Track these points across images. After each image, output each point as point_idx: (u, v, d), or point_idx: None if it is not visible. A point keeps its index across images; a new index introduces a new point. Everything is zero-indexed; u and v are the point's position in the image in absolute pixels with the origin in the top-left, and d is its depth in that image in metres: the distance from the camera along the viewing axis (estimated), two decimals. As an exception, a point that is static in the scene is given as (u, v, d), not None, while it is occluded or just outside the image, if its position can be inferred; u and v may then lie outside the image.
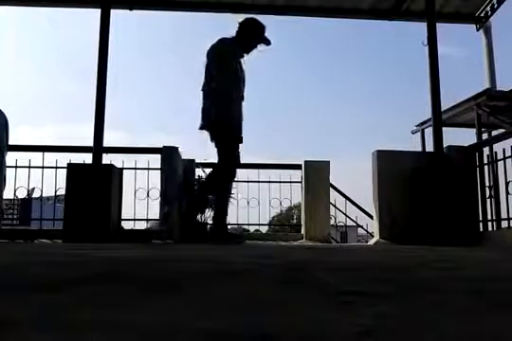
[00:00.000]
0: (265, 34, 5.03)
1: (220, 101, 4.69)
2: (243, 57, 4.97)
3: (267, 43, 5.01)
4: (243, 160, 5.24)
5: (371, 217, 6.97)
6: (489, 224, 5.70)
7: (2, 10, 8.75)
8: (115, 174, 6.08)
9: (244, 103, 4.86)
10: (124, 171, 6.46)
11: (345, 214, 8.09)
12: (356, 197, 8.18)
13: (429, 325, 0.71)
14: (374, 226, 6.21)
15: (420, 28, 6.77)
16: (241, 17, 5.32)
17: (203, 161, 6.88)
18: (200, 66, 4.95)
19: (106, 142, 6.47)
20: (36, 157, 6.55)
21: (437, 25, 6.69)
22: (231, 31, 5.11)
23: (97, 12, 6.68)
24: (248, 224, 7.42)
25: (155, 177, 6.42)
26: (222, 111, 4.68)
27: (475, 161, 5.72)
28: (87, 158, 6.34)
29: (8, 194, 6.28)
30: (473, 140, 8.06)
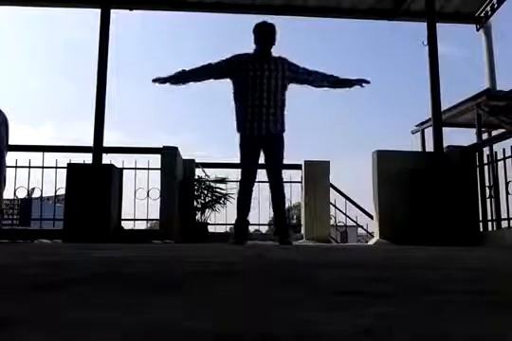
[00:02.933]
0: (264, 28, 5.10)
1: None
2: (261, 61, 5.05)
3: (274, 33, 5.11)
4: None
5: (371, 217, 6.97)
6: (489, 223, 5.70)
7: (2, 10, 8.75)
8: (115, 174, 6.09)
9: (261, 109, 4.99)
10: (124, 171, 6.47)
11: (345, 214, 8.10)
12: (356, 197, 8.19)
13: (429, 325, 0.71)
14: (374, 226, 6.22)
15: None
16: (240, 17, 5.38)
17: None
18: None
19: (105, 142, 6.47)
20: (36, 157, 6.56)
21: (437, 25, 6.69)
22: (229, 32, 5.21)
23: (97, 12, 6.69)
24: (250, 224, 7.41)
25: (156, 177, 6.43)
26: (239, 123, 5.08)
27: (475, 161, 5.73)
28: (87, 158, 6.34)
29: (8, 194, 6.29)
30: (473, 140, 8.07)
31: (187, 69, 5.10)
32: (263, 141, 5.00)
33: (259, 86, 4.95)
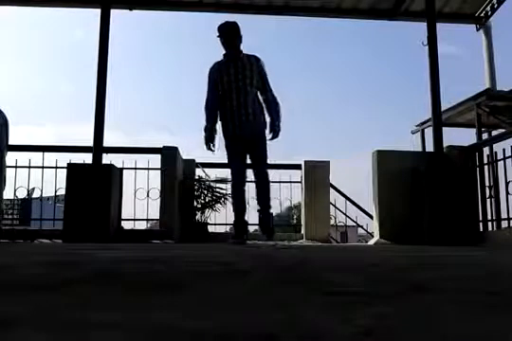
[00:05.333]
0: (221, 27, 5.08)
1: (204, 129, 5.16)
2: (233, 63, 5.06)
3: (235, 30, 5.10)
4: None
5: (371, 217, 6.96)
6: (489, 223, 5.69)
7: (2, 10, 8.75)
8: (115, 174, 6.08)
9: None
10: (124, 171, 6.46)
11: (345, 214, 8.09)
12: (356, 197, 8.19)
13: (429, 325, 0.71)
14: (374, 226, 6.21)
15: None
16: (240, 17, 5.38)
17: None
18: (199, 66, 5.07)
19: (105, 142, 6.47)
20: (36, 157, 6.55)
21: (437, 25, 6.69)
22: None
23: (97, 12, 6.69)
24: (248, 224, 7.40)
25: (156, 177, 6.43)
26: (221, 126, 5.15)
27: (475, 161, 5.72)
28: (87, 158, 6.34)
29: (8, 194, 6.29)
30: (473, 140, 8.07)
31: (208, 116, 5.11)
32: (245, 140, 5.04)
33: (235, 86, 4.99)
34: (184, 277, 1.47)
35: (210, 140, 5.12)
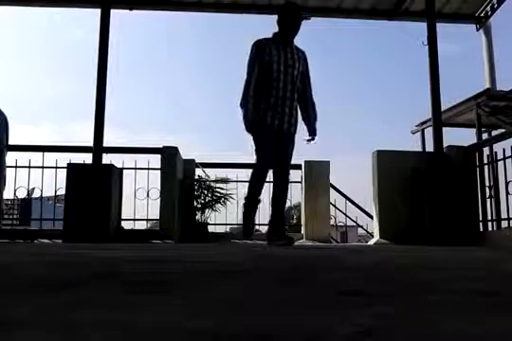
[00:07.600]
0: (294, 11, 4.74)
1: (244, 104, 4.65)
2: (285, 44, 4.71)
3: (302, 18, 4.76)
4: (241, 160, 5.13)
5: (371, 217, 6.96)
6: (489, 223, 5.69)
7: (2, 10, 8.76)
8: (115, 174, 6.08)
9: (283, 94, 4.62)
10: (124, 171, 6.46)
11: (345, 214, 8.09)
12: (356, 197, 8.19)
13: (429, 325, 0.71)
14: (374, 226, 6.21)
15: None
16: (240, 17, 5.25)
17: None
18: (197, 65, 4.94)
19: (105, 142, 6.46)
20: (36, 157, 6.55)
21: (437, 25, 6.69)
22: (229, 31, 5.04)
23: (97, 12, 6.69)
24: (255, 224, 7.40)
25: (156, 177, 6.43)
26: (245, 113, 4.62)
27: (475, 161, 5.72)
28: (87, 158, 6.34)
29: (8, 194, 6.29)
30: (473, 140, 8.07)
31: (251, 93, 4.59)
32: (279, 136, 4.67)
33: (290, 79, 4.63)
34: (184, 276, 1.47)
35: (252, 121, 4.59)
